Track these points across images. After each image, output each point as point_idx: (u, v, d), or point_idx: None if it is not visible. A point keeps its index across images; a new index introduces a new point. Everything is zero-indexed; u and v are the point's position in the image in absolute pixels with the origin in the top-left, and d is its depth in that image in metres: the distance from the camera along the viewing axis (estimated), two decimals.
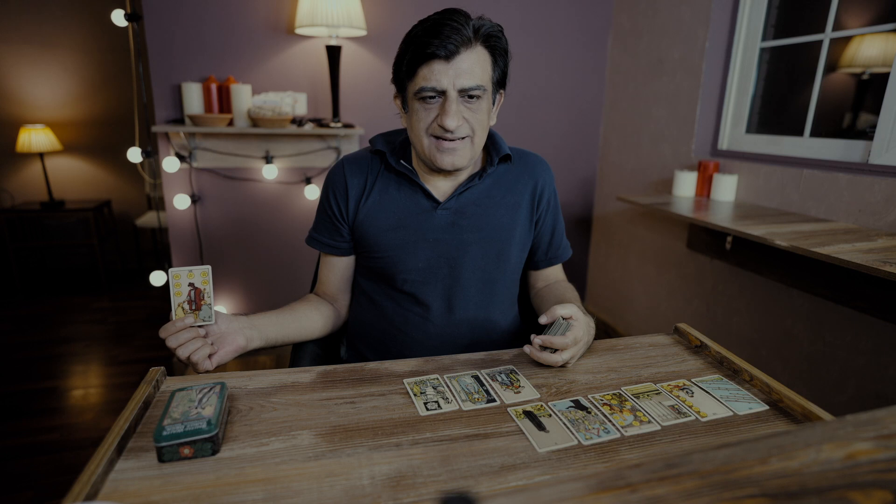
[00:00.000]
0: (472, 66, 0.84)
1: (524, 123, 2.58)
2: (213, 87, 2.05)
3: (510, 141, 1.06)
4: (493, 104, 0.94)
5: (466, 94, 0.85)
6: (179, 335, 0.76)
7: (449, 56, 0.82)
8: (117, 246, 3.68)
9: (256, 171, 2.25)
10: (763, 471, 0.32)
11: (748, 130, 2.00)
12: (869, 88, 1.66)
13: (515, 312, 1.11)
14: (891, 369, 1.40)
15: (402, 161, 0.96)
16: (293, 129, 2.07)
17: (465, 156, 0.90)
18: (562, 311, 0.83)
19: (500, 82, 0.92)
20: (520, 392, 0.78)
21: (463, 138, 0.88)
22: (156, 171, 2.52)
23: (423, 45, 0.82)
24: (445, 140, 0.87)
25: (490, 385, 0.79)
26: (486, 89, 0.88)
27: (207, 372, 0.79)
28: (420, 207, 0.97)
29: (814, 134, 1.74)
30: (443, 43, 0.81)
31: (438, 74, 0.83)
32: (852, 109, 1.70)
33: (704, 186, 1.98)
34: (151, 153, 2.20)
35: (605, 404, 0.75)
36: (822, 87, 1.72)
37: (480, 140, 0.91)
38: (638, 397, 0.77)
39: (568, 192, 2.76)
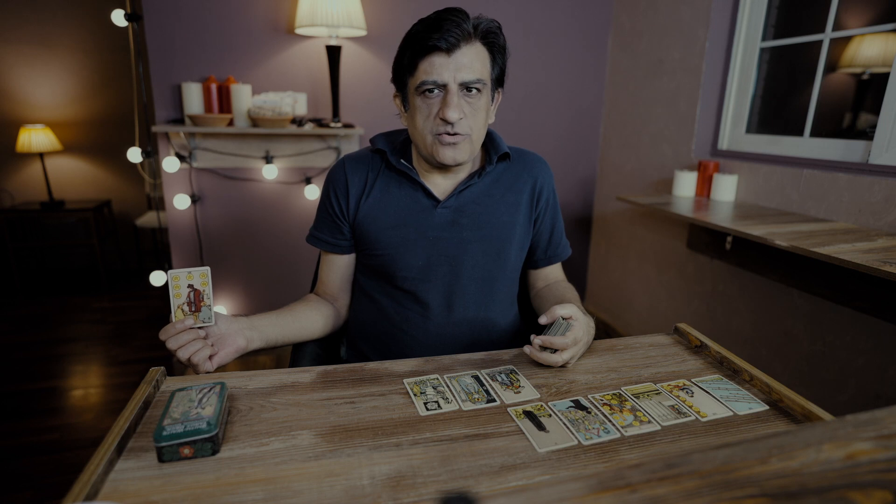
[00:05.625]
0: (471, 60, 0.85)
1: (524, 123, 2.58)
2: (213, 87, 2.05)
3: (510, 141, 1.06)
4: (492, 101, 0.95)
5: (466, 88, 0.86)
6: (180, 337, 0.76)
7: (450, 49, 0.83)
8: (117, 246, 3.68)
9: (256, 171, 2.25)
10: (763, 471, 0.32)
11: (748, 130, 2.00)
12: (869, 88, 1.66)
13: (515, 312, 1.11)
14: (891, 369, 1.40)
15: (402, 160, 0.97)
16: (293, 129, 2.07)
17: (465, 150, 0.90)
18: (562, 311, 0.83)
19: (498, 80, 0.93)
20: (520, 392, 0.78)
21: (463, 134, 0.88)
22: (156, 171, 2.52)
23: (423, 38, 0.83)
24: (447, 135, 0.88)
25: (490, 385, 0.79)
26: (486, 84, 0.89)
27: (208, 373, 0.79)
28: (420, 206, 0.97)
29: (814, 134, 1.74)
30: (443, 36, 0.82)
31: (439, 68, 0.84)
32: (852, 109, 1.70)
33: (704, 186, 1.99)
34: (151, 153, 2.20)
35: (605, 404, 0.75)
36: (822, 87, 1.72)
37: (480, 136, 0.92)
38: (638, 397, 0.77)
39: (568, 192, 2.76)
